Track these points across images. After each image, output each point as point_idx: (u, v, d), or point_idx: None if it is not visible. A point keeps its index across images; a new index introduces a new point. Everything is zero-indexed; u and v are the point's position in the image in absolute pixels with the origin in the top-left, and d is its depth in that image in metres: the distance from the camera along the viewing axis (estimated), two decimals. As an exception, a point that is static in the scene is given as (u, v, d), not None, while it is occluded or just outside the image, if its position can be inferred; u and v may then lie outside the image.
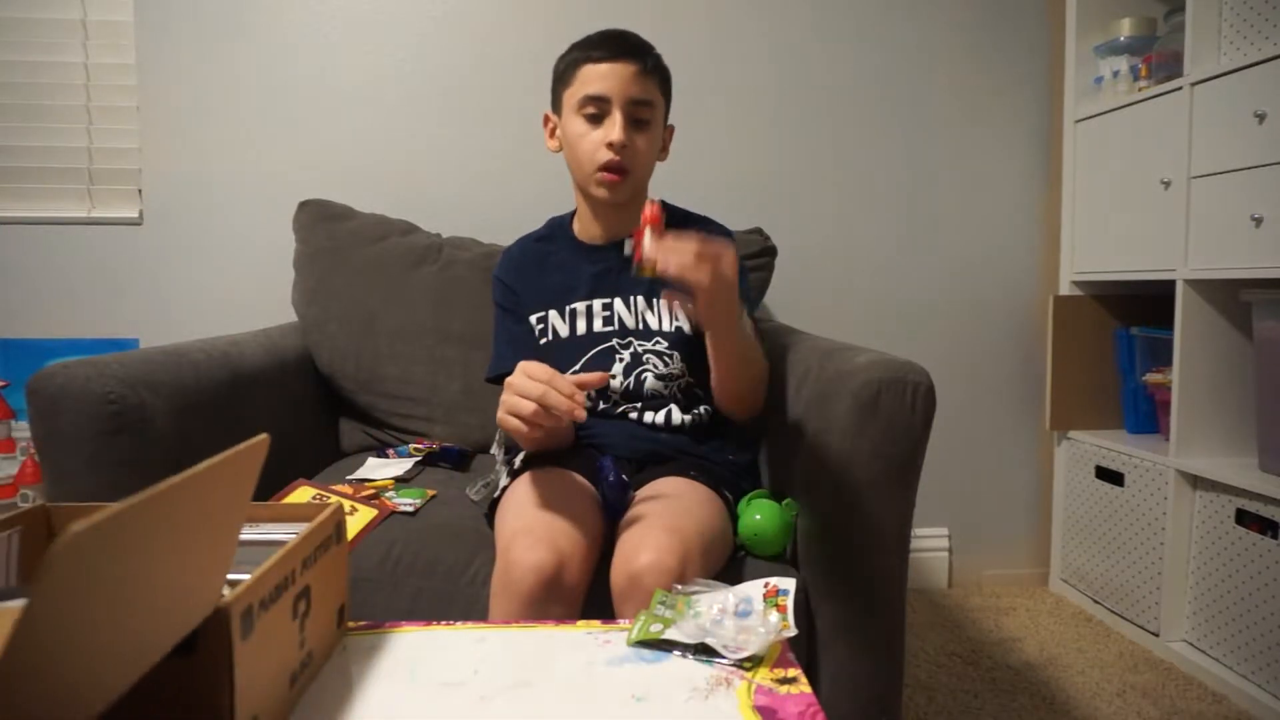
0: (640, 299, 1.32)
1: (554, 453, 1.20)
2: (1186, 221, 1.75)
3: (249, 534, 0.81)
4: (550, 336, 1.32)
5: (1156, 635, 1.84)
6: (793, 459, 1.20)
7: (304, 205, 1.79)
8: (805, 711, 0.67)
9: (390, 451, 1.55)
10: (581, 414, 0.95)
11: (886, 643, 1.07)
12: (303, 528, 0.74)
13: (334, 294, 1.68)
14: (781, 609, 0.80)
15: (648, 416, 1.28)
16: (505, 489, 1.17)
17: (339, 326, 1.66)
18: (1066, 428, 2.16)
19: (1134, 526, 1.91)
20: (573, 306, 1.32)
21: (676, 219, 1.39)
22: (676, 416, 1.28)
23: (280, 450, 1.44)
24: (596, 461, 1.15)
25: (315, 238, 1.74)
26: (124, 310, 2.05)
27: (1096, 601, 2.06)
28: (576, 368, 1.29)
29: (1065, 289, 2.16)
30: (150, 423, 1.07)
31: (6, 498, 1.90)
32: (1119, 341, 2.10)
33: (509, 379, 0.99)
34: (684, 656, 0.76)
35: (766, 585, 0.83)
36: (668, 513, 1.02)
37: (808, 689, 0.71)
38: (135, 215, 2.04)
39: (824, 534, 1.09)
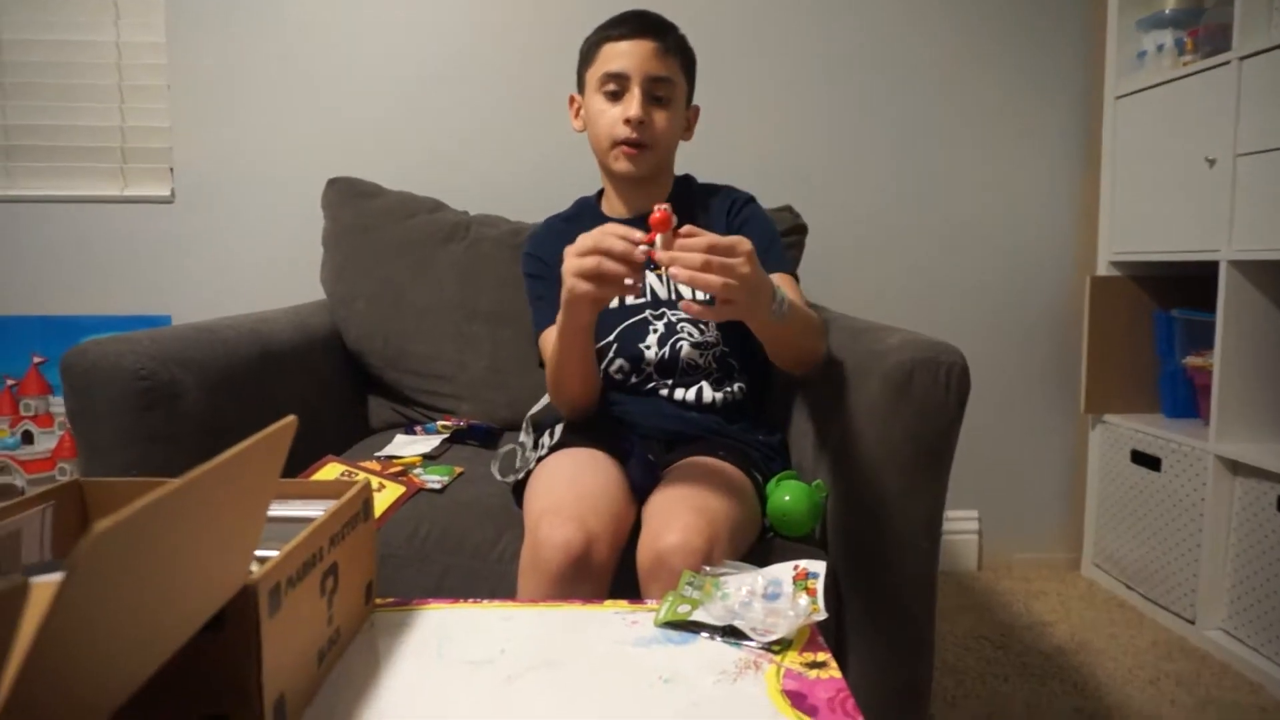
0: None
1: (583, 433, 1.19)
2: (1232, 201, 1.70)
3: (277, 510, 0.81)
4: None
5: (1192, 623, 1.81)
6: (821, 440, 1.19)
7: (332, 183, 1.79)
8: (835, 697, 0.66)
9: (418, 429, 1.55)
10: (640, 254, 0.93)
11: (917, 628, 1.05)
12: (331, 505, 0.74)
13: (362, 271, 1.68)
14: (811, 592, 0.79)
15: (678, 393, 1.27)
16: (535, 466, 1.17)
17: (367, 304, 1.66)
18: (1102, 411, 2.12)
19: (1171, 512, 1.88)
20: None
21: (697, 193, 1.38)
22: (708, 394, 1.27)
23: (309, 426, 1.44)
24: (624, 441, 1.14)
25: (343, 215, 1.74)
26: (156, 287, 2.07)
27: (1130, 587, 2.03)
28: (610, 338, 1.29)
29: (1103, 269, 2.11)
30: (181, 399, 1.08)
31: (45, 471, 1.94)
32: (1158, 324, 2.06)
33: (567, 249, 0.98)
34: (711, 638, 0.75)
35: (796, 568, 0.82)
36: (695, 493, 1.01)
37: (837, 673, 0.70)
38: (167, 193, 2.06)
39: (853, 517, 1.07)
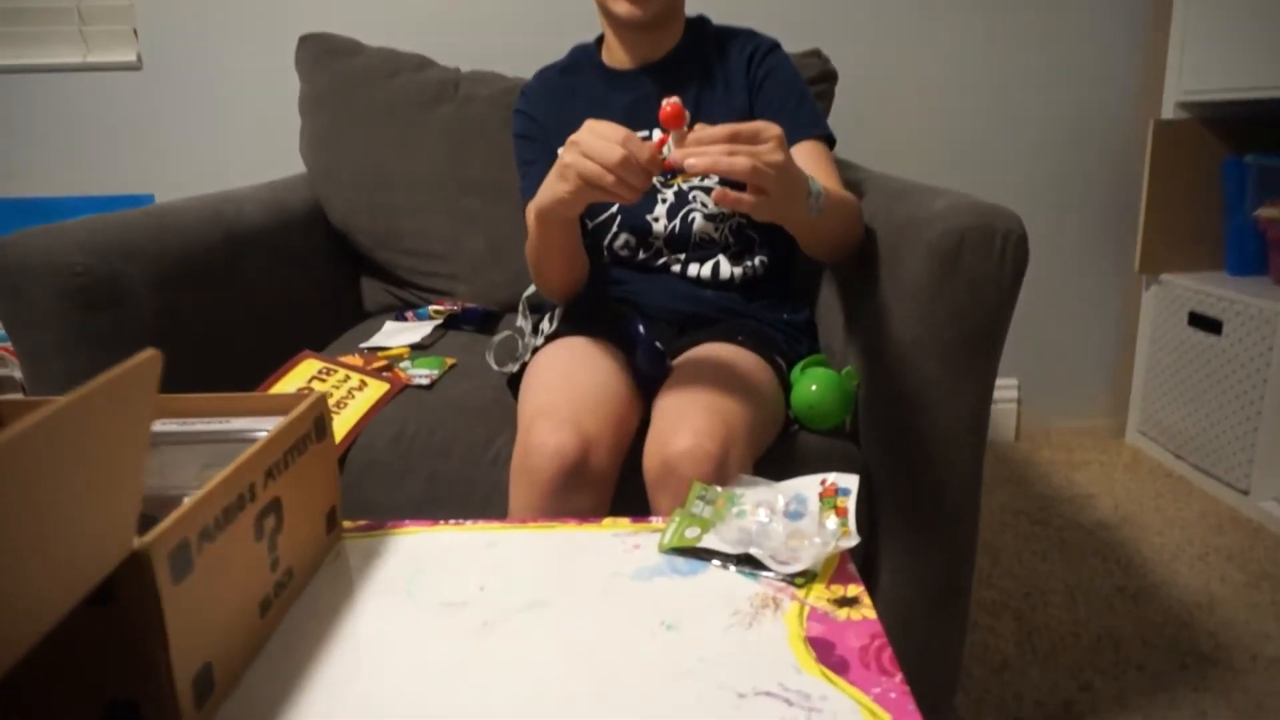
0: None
1: (584, 319, 1.06)
2: (1333, 23, 1.47)
3: (226, 428, 0.71)
4: None
5: (1246, 493, 1.71)
6: (853, 320, 1.05)
7: (305, 40, 1.60)
8: (869, 646, 0.55)
9: (409, 314, 1.43)
10: (636, 195, 0.80)
11: (958, 528, 0.95)
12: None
13: (343, 140, 1.52)
14: (841, 512, 0.67)
15: (692, 269, 1.13)
16: (530, 357, 1.05)
17: (350, 177, 1.51)
18: (1159, 270, 1.94)
19: (1231, 377, 1.74)
20: None
21: (712, 39, 1.19)
22: (725, 269, 1.13)
23: (287, 317, 1.34)
24: (630, 327, 1.01)
25: (319, 78, 1.56)
26: (136, 164, 1.93)
27: (1178, 456, 1.91)
28: (613, 209, 1.14)
29: (1169, 112, 1.89)
30: (127, 296, 0.96)
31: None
32: (1227, 171, 1.85)
33: (574, 136, 0.83)
34: (724, 568, 0.65)
35: (823, 483, 0.70)
36: (709, 389, 0.89)
37: (871, 613, 0.59)
38: (133, 59, 1.88)
39: (889, 408, 0.95)
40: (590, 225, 1.16)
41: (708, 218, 1.11)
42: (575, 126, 1.17)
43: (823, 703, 0.50)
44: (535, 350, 1.04)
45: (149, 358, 0.39)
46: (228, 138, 1.91)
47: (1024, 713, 1.18)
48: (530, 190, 1.13)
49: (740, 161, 0.75)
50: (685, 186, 1.12)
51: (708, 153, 0.75)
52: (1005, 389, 2.11)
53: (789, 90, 1.15)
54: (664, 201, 1.13)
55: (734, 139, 0.76)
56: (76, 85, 1.89)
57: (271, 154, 1.82)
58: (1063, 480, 1.90)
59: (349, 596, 0.64)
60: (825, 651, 0.55)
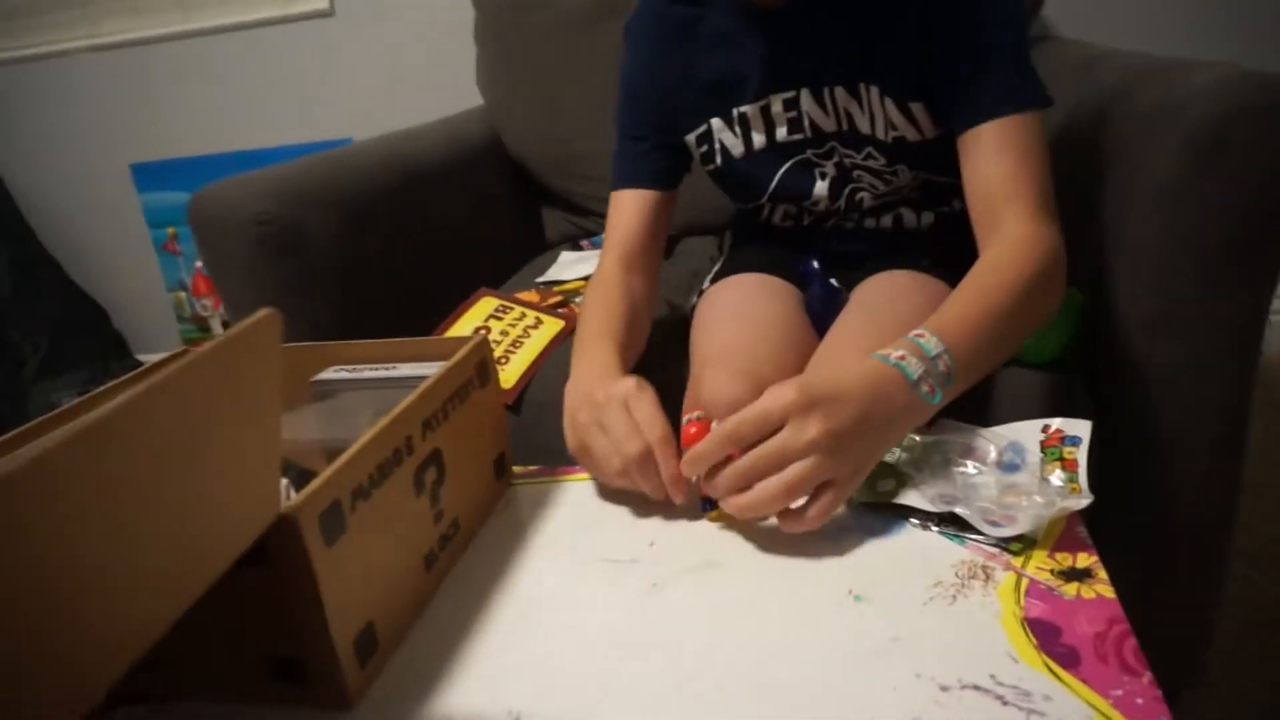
0: (839, 90, 0.84)
1: (756, 252, 0.97)
2: None
3: (394, 374, 0.70)
4: (719, 160, 0.92)
5: None
6: (1080, 230, 0.89)
7: (468, -38, 1.57)
8: (1106, 633, 0.46)
9: (584, 243, 1.39)
10: (680, 497, 0.63)
11: (1214, 478, 0.80)
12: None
13: (513, 66, 1.48)
14: (1069, 465, 0.57)
15: (869, 223, 0.95)
16: (706, 287, 0.98)
17: (522, 103, 1.47)
18: None
19: None
20: (742, 110, 0.88)
21: None
22: (910, 218, 0.93)
23: (470, 252, 1.34)
24: (804, 263, 0.91)
25: (489, 2, 1.53)
26: (333, 108, 2.01)
27: None
28: (763, 199, 0.95)
29: None
30: (312, 241, 0.97)
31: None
32: None
33: (570, 405, 0.69)
34: (924, 528, 0.57)
35: (1047, 429, 0.59)
36: (873, 324, 0.77)
37: (1109, 590, 0.49)
38: (325, 5, 1.94)
39: (1125, 334, 0.80)
40: (739, 209, 1.03)
41: (878, 196, 0.91)
42: (701, 85, 0.90)
43: (1046, 704, 0.42)
44: (704, 289, 0.97)
45: (266, 317, 0.36)
46: (418, 75, 1.94)
47: (1293, 681, 1.01)
48: (623, 177, 0.93)
49: (765, 500, 0.55)
50: (848, 161, 0.89)
51: (725, 491, 0.57)
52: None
53: (972, 36, 0.77)
54: (824, 177, 0.91)
55: (730, 441, 0.56)
56: (275, 38, 1.98)
57: (465, 86, 1.79)
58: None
59: (517, 549, 0.62)
60: (1049, 638, 0.46)
